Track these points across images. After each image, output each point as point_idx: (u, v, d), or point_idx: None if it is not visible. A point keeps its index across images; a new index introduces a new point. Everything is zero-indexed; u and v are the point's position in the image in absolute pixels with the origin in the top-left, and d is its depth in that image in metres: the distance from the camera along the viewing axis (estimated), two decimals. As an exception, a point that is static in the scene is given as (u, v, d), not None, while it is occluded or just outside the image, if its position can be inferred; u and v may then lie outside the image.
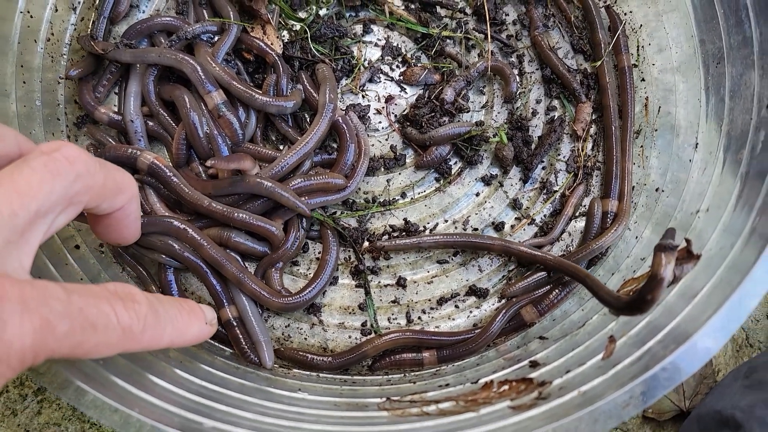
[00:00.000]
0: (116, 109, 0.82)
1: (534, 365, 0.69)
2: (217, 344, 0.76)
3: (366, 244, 0.81)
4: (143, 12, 0.88)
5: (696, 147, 0.78)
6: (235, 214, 0.75)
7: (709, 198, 0.72)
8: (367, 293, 0.81)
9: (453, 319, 0.81)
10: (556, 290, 0.79)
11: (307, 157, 0.80)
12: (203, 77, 0.78)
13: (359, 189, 0.85)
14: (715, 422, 0.72)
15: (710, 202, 0.72)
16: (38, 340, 0.32)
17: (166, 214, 0.79)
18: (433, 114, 0.85)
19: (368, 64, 0.88)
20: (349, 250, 0.82)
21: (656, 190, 0.81)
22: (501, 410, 0.60)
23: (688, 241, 0.68)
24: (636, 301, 0.59)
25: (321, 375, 0.76)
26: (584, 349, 0.66)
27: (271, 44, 0.84)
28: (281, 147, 0.84)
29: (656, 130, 0.85)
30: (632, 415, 0.57)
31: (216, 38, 0.84)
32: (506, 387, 0.65)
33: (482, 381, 0.68)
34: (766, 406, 0.67)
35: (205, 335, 0.49)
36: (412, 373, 0.77)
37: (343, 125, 0.81)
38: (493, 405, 0.62)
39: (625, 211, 0.82)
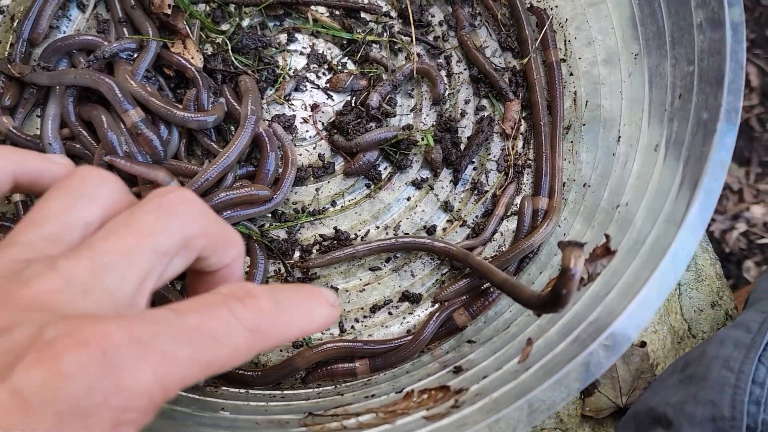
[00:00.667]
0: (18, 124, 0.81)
1: (458, 371, 0.68)
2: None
3: (297, 255, 0.81)
4: (63, 33, 0.87)
5: (618, 140, 0.77)
6: (155, 233, 0.74)
7: (630, 190, 0.71)
8: (299, 305, 0.79)
9: (387, 327, 0.80)
10: (488, 292, 0.78)
11: (229, 170, 0.79)
12: (120, 96, 0.77)
13: (287, 200, 0.84)
14: (650, 419, 0.71)
15: (631, 195, 0.71)
16: (161, 375, 0.30)
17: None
18: (359, 120, 0.84)
19: (293, 72, 0.87)
20: (279, 262, 0.81)
21: (584, 185, 0.81)
22: (416, 421, 0.59)
23: (607, 236, 0.67)
24: (551, 297, 0.59)
25: (251, 391, 0.75)
26: (504, 353, 0.65)
27: (191, 59, 0.83)
28: (206, 162, 0.83)
29: (584, 125, 0.85)
30: (540, 421, 0.56)
31: (136, 56, 0.83)
32: (425, 396, 0.64)
33: (405, 390, 0.67)
34: (696, 402, 0.66)
35: (332, 319, 0.44)
36: (343, 384, 0.76)
37: (264, 137, 0.80)
38: (411, 415, 0.61)
39: (556, 208, 0.82)
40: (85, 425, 0.27)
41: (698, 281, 0.91)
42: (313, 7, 0.88)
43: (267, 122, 0.83)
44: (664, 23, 0.73)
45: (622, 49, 0.80)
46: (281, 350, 0.78)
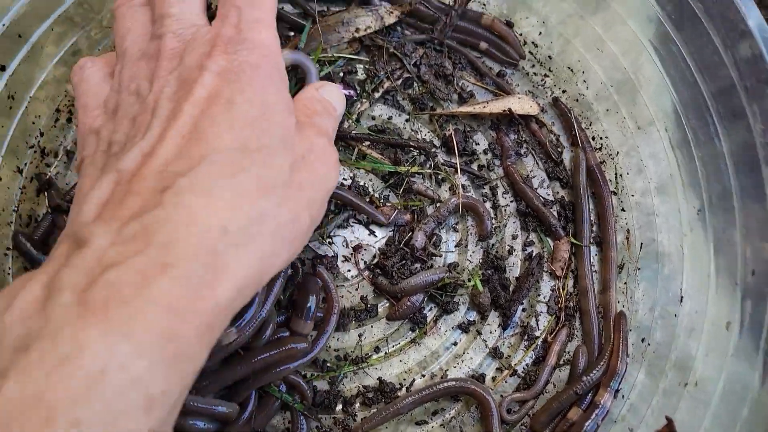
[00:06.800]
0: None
1: None
2: None
3: (339, 407, 0.77)
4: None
5: (681, 300, 0.74)
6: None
7: (700, 365, 0.68)
8: (342, 465, 0.76)
9: (435, 488, 0.76)
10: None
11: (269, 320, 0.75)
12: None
13: (329, 346, 0.80)
14: None
15: (701, 371, 0.67)
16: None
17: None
18: (403, 262, 0.81)
19: (336, 208, 0.84)
20: (323, 417, 0.77)
21: (642, 340, 0.77)
22: None
23: (669, 420, 0.64)
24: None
25: None
26: None
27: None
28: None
29: (639, 269, 0.81)
30: None
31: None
32: None
33: None
34: None
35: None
36: None
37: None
38: None
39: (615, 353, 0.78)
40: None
41: None
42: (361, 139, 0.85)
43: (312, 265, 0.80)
44: (732, 185, 0.69)
45: (683, 201, 0.76)
46: None
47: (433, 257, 0.83)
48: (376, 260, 0.82)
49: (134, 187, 0.45)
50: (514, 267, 0.84)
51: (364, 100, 0.86)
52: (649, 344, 0.76)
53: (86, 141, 0.56)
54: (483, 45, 0.88)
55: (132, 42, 0.58)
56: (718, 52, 0.69)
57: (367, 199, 0.85)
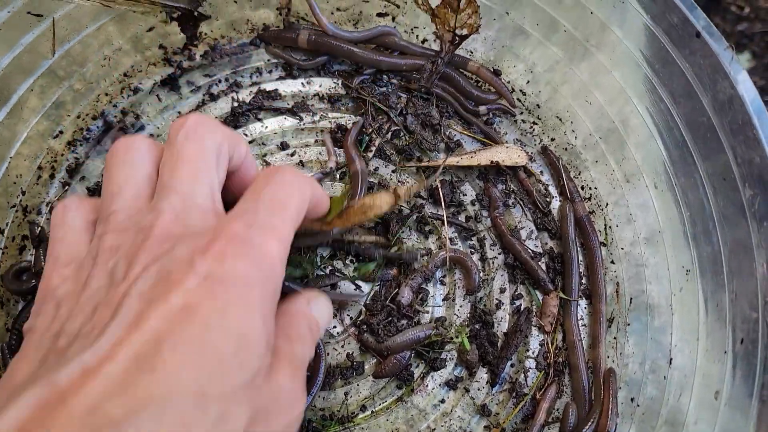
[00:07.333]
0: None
1: None
2: None
3: (325, 469, 0.76)
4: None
5: (670, 362, 0.73)
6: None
7: (697, 392, 0.67)
8: None
9: None
10: None
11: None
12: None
13: (314, 405, 0.79)
14: None
15: (699, 398, 0.66)
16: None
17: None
18: (390, 319, 0.80)
19: (320, 260, 0.83)
20: (307, 479, 0.76)
21: (631, 400, 0.76)
22: None
23: None
24: None
25: None
26: None
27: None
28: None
29: (629, 324, 0.80)
30: None
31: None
32: None
33: None
34: None
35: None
36: None
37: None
38: None
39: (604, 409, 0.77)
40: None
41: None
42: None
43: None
44: (720, 248, 0.68)
45: (672, 255, 0.75)
46: None
47: (420, 313, 0.82)
48: (362, 317, 0.81)
49: (53, 429, 0.36)
50: (503, 321, 0.83)
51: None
52: (638, 405, 0.75)
53: (43, 307, 0.48)
54: (483, 109, 0.87)
55: (123, 205, 0.50)
56: (706, 113, 0.68)
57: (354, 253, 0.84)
